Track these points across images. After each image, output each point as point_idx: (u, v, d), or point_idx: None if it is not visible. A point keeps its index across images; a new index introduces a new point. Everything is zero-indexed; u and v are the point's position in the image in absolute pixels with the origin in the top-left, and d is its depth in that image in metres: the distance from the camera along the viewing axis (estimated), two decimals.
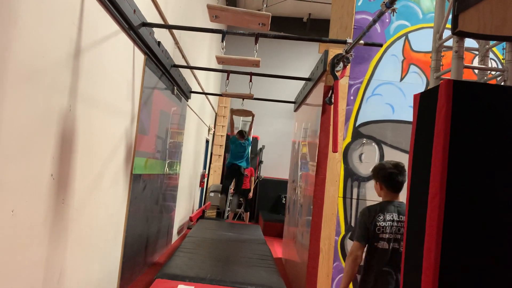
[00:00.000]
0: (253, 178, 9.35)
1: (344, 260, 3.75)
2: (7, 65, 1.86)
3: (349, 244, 3.74)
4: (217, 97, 10.79)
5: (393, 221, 2.47)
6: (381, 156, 3.84)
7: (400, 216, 2.48)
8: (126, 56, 3.48)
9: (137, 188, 4.10)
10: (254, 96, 4.83)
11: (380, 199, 2.66)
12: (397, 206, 2.52)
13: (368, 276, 2.51)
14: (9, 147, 1.92)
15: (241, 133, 7.90)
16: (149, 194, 4.65)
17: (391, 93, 3.91)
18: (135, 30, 3.36)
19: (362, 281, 2.57)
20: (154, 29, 3.92)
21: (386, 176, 2.54)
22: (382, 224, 2.47)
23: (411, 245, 1.88)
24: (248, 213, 9.50)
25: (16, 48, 1.91)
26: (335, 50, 3.83)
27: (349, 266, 2.50)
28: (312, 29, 10.71)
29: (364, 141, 3.85)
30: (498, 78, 1.97)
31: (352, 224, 3.78)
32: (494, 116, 1.68)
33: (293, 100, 6.65)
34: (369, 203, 3.73)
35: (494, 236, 1.66)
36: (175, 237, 6.95)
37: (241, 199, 9.70)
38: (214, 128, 11.03)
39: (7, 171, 1.93)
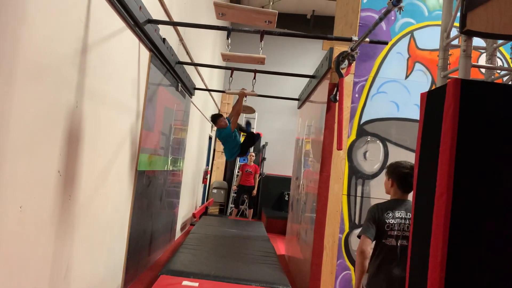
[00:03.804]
0: (257, 175, 9.35)
1: (348, 257, 3.75)
2: (16, 62, 1.87)
3: (353, 242, 3.75)
4: (220, 93, 10.79)
5: (401, 218, 2.49)
6: (386, 154, 3.84)
7: (408, 213, 2.50)
8: (132, 53, 3.48)
9: (141, 184, 4.11)
10: (258, 93, 4.82)
11: (385, 196, 2.67)
12: (405, 204, 2.55)
13: (378, 277, 2.50)
14: (17, 144, 1.93)
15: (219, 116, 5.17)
16: (153, 191, 4.67)
17: (396, 91, 3.90)
18: (140, 27, 3.36)
19: (371, 283, 2.56)
20: (159, 25, 3.92)
21: (402, 175, 2.56)
22: (391, 221, 2.49)
23: (417, 243, 1.89)
24: (252, 210, 9.52)
25: (25, 45, 1.92)
26: (340, 48, 3.83)
27: (358, 261, 2.55)
28: (315, 26, 10.68)
29: (368, 139, 3.85)
30: (505, 78, 1.96)
31: (356, 221, 3.78)
32: (501, 115, 1.67)
33: (297, 97, 6.64)
34: (373, 201, 3.74)
35: (500, 235, 1.66)
36: (178, 233, 6.97)
37: (245, 195, 9.71)
38: None
39: (16, 168, 1.94)
